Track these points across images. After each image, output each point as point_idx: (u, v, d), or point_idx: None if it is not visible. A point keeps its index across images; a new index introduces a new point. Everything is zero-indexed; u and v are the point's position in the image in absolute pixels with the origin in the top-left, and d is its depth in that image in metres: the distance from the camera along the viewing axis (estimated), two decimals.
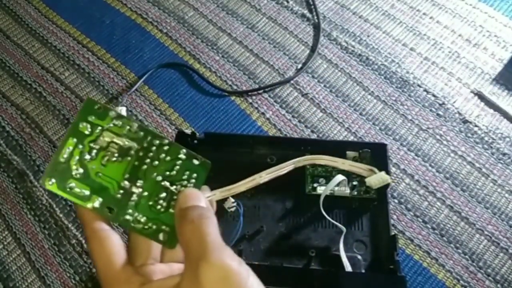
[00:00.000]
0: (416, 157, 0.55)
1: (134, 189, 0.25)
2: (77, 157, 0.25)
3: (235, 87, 0.61)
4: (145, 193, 0.25)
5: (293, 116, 0.58)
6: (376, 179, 0.41)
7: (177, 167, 0.26)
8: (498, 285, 0.47)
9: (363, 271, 0.45)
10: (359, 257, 0.45)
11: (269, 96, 0.60)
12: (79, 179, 0.25)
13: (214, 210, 0.27)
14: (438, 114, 0.58)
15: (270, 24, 0.67)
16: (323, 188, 0.48)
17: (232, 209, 0.46)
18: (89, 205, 0.25)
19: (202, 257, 0.22)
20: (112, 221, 0.25)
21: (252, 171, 0.44)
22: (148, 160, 0.25)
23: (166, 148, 0.26)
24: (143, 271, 0.25)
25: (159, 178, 0.26)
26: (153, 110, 0.60)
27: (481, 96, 0.59)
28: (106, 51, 0.65)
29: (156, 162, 0.25)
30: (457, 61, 0.62)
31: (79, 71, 0.64)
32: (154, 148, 0.25)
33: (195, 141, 0.49)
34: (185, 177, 0.26)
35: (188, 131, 0.49)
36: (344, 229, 0.45)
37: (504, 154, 0.54)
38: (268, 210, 0.48)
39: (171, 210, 0.25)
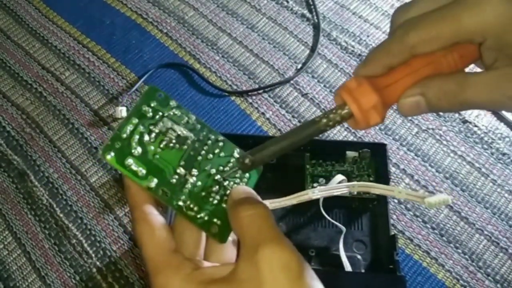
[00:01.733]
0: (415, 157, 0.55)
1: (189, 177, 0.26)
2: (137, 137, 0.25)
3: (235, 87, 0.61)
4: (199, 183, 0.26)
5: (293, 116, 0.58)
6: (437, 199, 0.37)
7: (231, 164, 0.27)
8: (498, 285, 0.47)
9: (362, 271, 0.45)
10: (359, 257, 0.46)
11: (269, 96, 0.60)
12: (138, 158, 0.25)
13: None
14: (437, 114, 0.58)
15: (270, 24, 0.67)
16: (322, 188, 0.48)
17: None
18: (145, 184, 0.25)
19: (263, 243, 0.21)
20: (166, 203, 0.25)
21: None
22: (203, 152, 0.26)
23: (221, 144, 0.27)
24: (194, 260, 0.25)
25: (213, 171, 0.26)
26: None
27: None
28: (106, 51, 0.65)
29: (211, 156, 0.26)
30: None
31: (79, 71, 0.64)
32: (209, 142, 0.26)
33: None
34: (237, 175, 0.27)
35: None
36: (343, 229, 0.46)
37: (503, 154, 0.55)
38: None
39: (223, 205, 0.26)
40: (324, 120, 0.24)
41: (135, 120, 0.25)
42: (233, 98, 0.60)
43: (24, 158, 0.57)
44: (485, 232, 0.50)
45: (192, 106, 0.60)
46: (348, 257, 0.44)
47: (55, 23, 0.69)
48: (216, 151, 0.27)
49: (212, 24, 0.67)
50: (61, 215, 0.53)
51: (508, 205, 0.51)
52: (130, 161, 0.25)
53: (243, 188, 0.25)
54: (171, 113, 0.26)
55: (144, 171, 0.25)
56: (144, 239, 0.24)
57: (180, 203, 0.25)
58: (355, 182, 0.43)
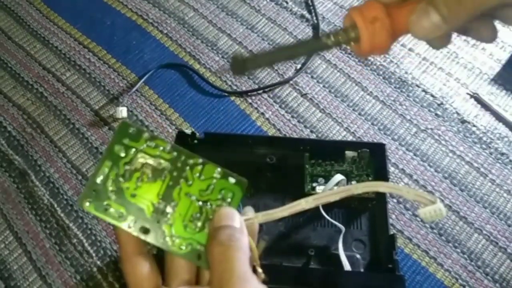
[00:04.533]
0: (414, 157, 0.55)
1: (169, 209, 0.25)
2: (111, 180, 0.25)
3: (235, 87, 0.61)
4: (180, 213, 0.25)
5: (292, 116, 0.59)
6: (431, 210, 0.36)
7: (212, 186, 0.26)
8: (497, 284, 0.47)
9: (362, 270, 0.45)
10: (358, 256, 0.46)
11: (269, 96, 0.60)
12: (115, 200, 0.25)
13: (256, 233, 0.27)
14: (436, 114, 0.58)
15: (269, 25, 0.67)
16: (322, 187, 0.49)
17: None
18: (124, 225, 0.25)
19: (230, 285, 0.22)
20: (147, 241, 0.25)
21: (251, 171, 0.45)
22: (182, 180, 0.26)
23: (200, 167, 0.26)
24: None
25: (194, 197, 0.26)
26: (153, 110, 0.60)
27: (477, 99, 0.59)
28: (106, 51, 0.66)
29: (190, 182, 0.26)
30: (456, 62, 0.62)
31: (80, 72, 0.64)
32: (188, 167, 0.26)
33: (195, 141, 0.50)
34: (220, 196, 0.26)
35: (188, 131, 0.49)
36: (343, 228, 0.46)
37: (502, 154, 0.55)
38: (267, 209, 0.48)
39: (205, 230, 0.25)
40: (331, 38, 0.23)
41: (109, 163, 0.25)
42: (232, 98, 0.61)
43: (25, 158, 0.57)
44: (484, 232, 0.50)
45: (192, 106, 0.60)
46: (347, 257, 0.44)
47: (56, 24, 0.69)
48: (196, 175, 0.26)
49: (212, 24, 0.68)
50: (62, 215, 0.53)
51: (506, 204, 0.51)
52: (107, 206, 0.25)
53: (225, 212, 0.25)
54: (145, 146, 0.26)
55: (123, 212, 0.25)
56: (127, 278, 0.25)
57: (162, 238, 0.25)
58: (358, 184, 0.43)
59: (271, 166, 0.49)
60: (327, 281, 0.42)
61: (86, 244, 0.51)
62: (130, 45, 0.66)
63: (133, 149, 0.25)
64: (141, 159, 0.25)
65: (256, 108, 0.59)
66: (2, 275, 0.50)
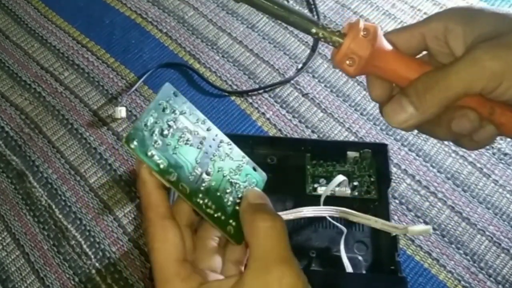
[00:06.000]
0: (417, 158, 0.54)
1: (205, 176, 0.26)
2: (157, 129, 0.25)
3: (235, 87, 0.61)
4: (214, 183, 0.26)
5: (293, 116, 0.58)
6: (420, 229, 0.39)
7: (242, 168, 0.27)
8: (500, 286, 0.47)
9: (364, 272, 0.45)
10: (360, 258, 0.45)
11: (269, 96, 0.60)
12: (159, 150, 0.24)
13: None
14: None
15: (270, 24, 0.66)
16: (323, 188, 0.48)
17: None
18: (167, 177, 0.24)
19: (275, 264, 0.21)
20: (185, 199, 0.25)
21: None
22: (216, 154, 0.26)
23: (230, 148, 0.27)
24: (201, 273, 0.24)
25: (226, 173, 0.26)
26: None
27: None
28: (105, 51, 0.65)
29: (223, 157, 0.27)
30: None
31: (78, 71, 0.63)
32: (222, 144, 0.27)
33: None
34: (245, 179, 0.27)
35: None
36: (344, 229, 0.45)
37: (505, 154, 0.54)
38: None
39: (236, 208, 0.26)
40: (320, 31, 0.23)
41: (155, 114, 0.25)
42: (233, 98, 0.60)
43: (23, 158, 0.56)
44: (487, 233, 0.50)
45: None
46: (349, 258, 0.44)
47: (54, 23, 0.68)
48: (228, 153, 0.27)
49: (212, 23, 0.67)
50: (60, 216, 0.52)
51: (510, 205, 0.51)
52: (152, 152, 0.24)
53: (259, 192, 0.25)
54: (187, 112, 0.26)
55: (165, 164, 0.24)
56: (155, 243, 0.23)
57: (199, 200, 0.25)
58: (336, 208, 0.43)
59: (272, 167, 0.49)
60: (329, 283, 0.42)
61: (84, 246, 0.50)
62: (129, 44, 0.65)
63: (177, 111, 0.26)
64: (184, 121, 0.26)
65: (256, 108, 0.59)
66: (0, 277, 0.49)
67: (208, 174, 0.26)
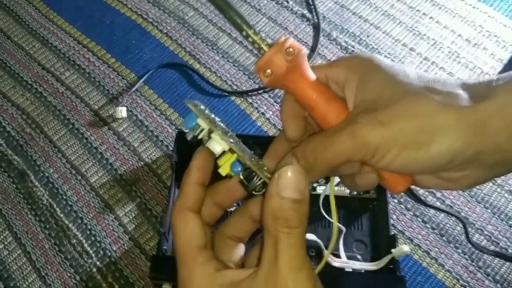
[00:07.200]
0: None
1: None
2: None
3: (235, 87, 0.61)
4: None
5: None
6: (400, 250, 0.42)
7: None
8: (498, 285, 0.47)
9: (363, 271, 0.45)
10: (359, 256, 0.46)
11: (269, 96, 0.60)
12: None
13: None
14: None
15: (270, 24, 0.67)
16: (322, 188, 0.49)
17: (232, 209, 0.46)
18: (227, 138, 0.25)
19: (295, 270, 0.22)
20: (239, 152, 0.25)
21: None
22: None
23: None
24: (220, 262, 0.25)
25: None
26: (153, 110, 0.60)
27: None
28: (106, 51, 0.65)
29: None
30: (457, 61, 0.62)
31: (79, 71, 0.64)
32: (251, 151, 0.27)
33: (195, 141, 0.49)
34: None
35: None
36: (344, 229, 0.46)
37: None
38: None
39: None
40: (251, 34, 0.25)
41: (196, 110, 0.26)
42: (233, 98, 0.60)
43: (24, 158, 0.57)
44: (485, 232, 0.50)
45: None
46: (348, 257, 0.44)
47: (55, 23, 0.69)
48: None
49: (212, 24, 0.67)
50: (61, 215, 0.53)
51: (508, 205, 0.51)
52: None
53: (295, 183, 0.23)
54: (217, 118, 0.27)
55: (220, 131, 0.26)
56: (176, 228, 0.25)
57: (260, 162, 0.26)
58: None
59: None
60: (328, 281, 0.42)
61: (85, 245, 0.51)
62: (129, 44, 0.66)
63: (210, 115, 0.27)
64: (216, 123, 0.27)
65: (256, 108, 0.59)
66: (2, 276, 0.50)
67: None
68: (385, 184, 0.26)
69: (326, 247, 0.46)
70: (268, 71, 0.25)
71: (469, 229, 0.50)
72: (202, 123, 0.25)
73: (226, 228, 0.28)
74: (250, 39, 0.25)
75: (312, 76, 0.25)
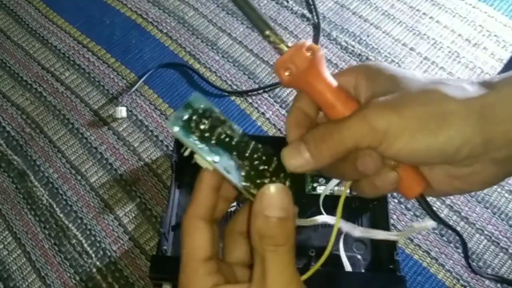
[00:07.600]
0: None
1: (242, 166, 0.26)
2: (194, 123, 0.26)
3: (235, 87, 0.61)
4: (252, 172, 0.26)
5: None
6: (423, 225, 0.40)
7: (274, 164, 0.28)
8: (498, 285, 0.47)
9: (363, 270, 0.45)
10: (359, 256, 0.46)
11: (269, 96, 0.60)
12: (199, 137, 0.26)
13: None
14: None
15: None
16: (323, 187, 0.48)
17: (232, 209, 0.46)
18: (210, 158, 0.25)
19: (284, 286, 0.23)
20: (230, 180, 0.25)
21: None
22: (248, 151, 0.27)
23: (261, 148, 0.28)
24: (226, 270, 0.26)
25: (261, 167, 0.27)
26: (153, 110, 0.60)
27: None
28: (106, 51, 0.65)
29: (255, 156, 0.27)
30: (457, 61, 0.62)
31: (79, 71, 0.64)
32: (251, 144, 0.28)
33: None
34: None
35: None
36: (345, 229, 0.45)
37: None
38: None
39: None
40: (272, 35, 0.26)
41: (190, 110, 0.27)
42: (233, 98, 0.60)
43: (24, 158, 0.57)
44: (485, 232, 0.50)
45: None
46: (348, 257, 0.44)
47: (55, 23, 0.69)
48: (259, 154, 0.27)
49: (212, 24, 0.67)
50: (61, 215, 0.53)
51: (508, 205, 0.51)
52: (194, 137, 0.26)
53: (279, 201, 0.24)
54: (218, 114, 0.28)
55: (206, 148, 0.26)
56: (186, 236, 0.25)
57: (243, 183, 0.26)
58: (357, 227, 0.43)
59: None
60: (328, 281, 0.42)
61: (85, 245, 0.51)
62: (129, 44, 0.66)
63: (208, 112, 0.27)
64: (217, 120, 0.27)
65: (256, 108, 0.59)
66: (1, 276, 0.50)
67: (245, 165, 0.26)
68: (401, 187, 0.26)
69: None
70: (288, 70, 0.25)
71: (470, 228, 0.50)
72: (186, 143, 0.26)
73: (235, 224, 0.28)
74: (271, 39, 0.26)
75: (330, 76, 0.26)
